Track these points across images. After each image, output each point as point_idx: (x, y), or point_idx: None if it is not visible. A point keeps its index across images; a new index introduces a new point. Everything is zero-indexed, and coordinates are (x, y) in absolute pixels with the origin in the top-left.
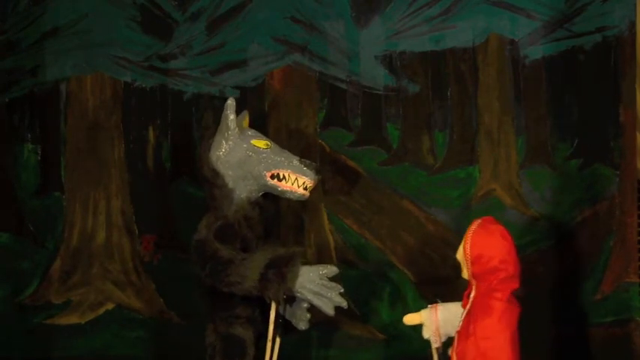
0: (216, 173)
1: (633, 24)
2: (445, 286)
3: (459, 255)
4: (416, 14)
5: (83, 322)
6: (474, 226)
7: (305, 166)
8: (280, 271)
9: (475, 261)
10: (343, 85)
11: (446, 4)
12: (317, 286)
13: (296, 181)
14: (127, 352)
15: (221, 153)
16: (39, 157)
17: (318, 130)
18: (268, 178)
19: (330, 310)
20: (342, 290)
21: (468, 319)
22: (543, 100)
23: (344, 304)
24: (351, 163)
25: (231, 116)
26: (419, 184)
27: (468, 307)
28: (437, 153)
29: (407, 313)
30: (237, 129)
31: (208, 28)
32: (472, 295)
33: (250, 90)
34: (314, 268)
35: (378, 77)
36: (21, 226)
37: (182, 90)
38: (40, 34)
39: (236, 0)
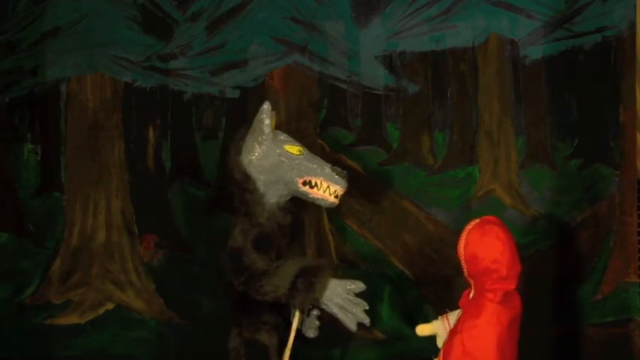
0: (247, 177)
1: (633, 24)
2: (445, 286)
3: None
4: (416, 14)
5: (83, 322)
6: (470, 226)
7: (337, 174)
8: (309, 280)
9: (469, 261)
10: (343, 85)
11: (446, 4)
12: (343, 300)
13: (328, 189)
14: (127, 352)
15: (254, 157)
16: (39, 157)
17: (318, 130)
18: (300, 185)
19: (353, 326)
20: (367, 307)
21: (456, 325)
22: (543, 100)
23: (367, 321)
24: (351, 163)
25: (267, 121)
26: (419, 184)
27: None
28: (437, 153)
29: (407, 313)
30: (271, 133)
31: (208, 28)
32: (471, 294)
33: (250, 90)
34: (342, 282)
35: (378, 77)
36: (21, 226)
37: (182, 90)
38: (40, 34)
39: (236, 0)
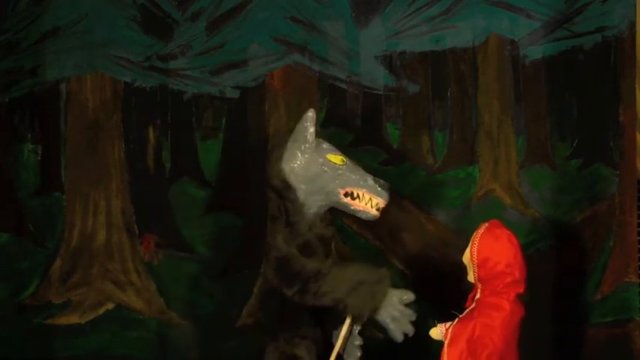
0: (288, 185)
1: (633, 24)
2: (445, 286)
3: (465, 258)
4: (416, 14)
5: (83, 322)
6: (480, 230)
7: (379, 186)
8: (372, 289)
9: (482, 265)
10: (343, 85)
11: (446, 4)
12: (397, 311)
13: (370, 202)
14: (127, 352)
15: (295, 165)
16: (39, 157)
17: (318, 130)
18: (342, 196)
19: (400, 337)
20: (414, 318)
21: (472, 312)
22: (543, 100)
23: (411, 333)
24: None
25: (311, 129)
26: (419, 184)
27: (472, 306)
28: (437, 153)
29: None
30: (314, 142)
31: (208, 28)
32: (477, 297)
33: (250, 90)
34: (397, 292)
35: (378, 77)
36: (21, 226)
37: (182, 90)
38: (40, 34)
39: (236, 0)
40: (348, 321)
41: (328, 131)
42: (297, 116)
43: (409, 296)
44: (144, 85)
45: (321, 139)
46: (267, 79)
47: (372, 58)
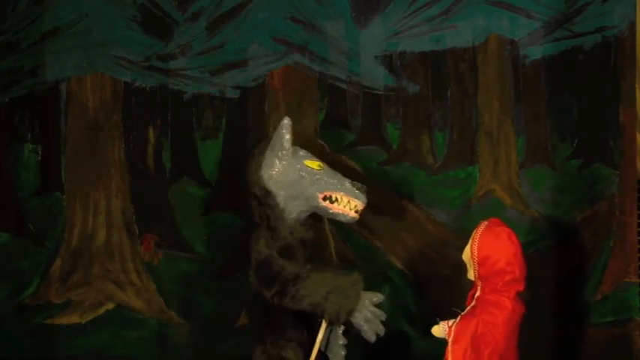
0: (267, 192)
1: (633, 24)
2: (445, 286)
3: (465, 256)
4: (416, 14)
5: (83, 322)
6: (480, 228)
7: (357, 189)
8: (346, 293)
9: (482, 263)
10: (343, 85)
11: (446, 4)
12: (368, 312)
13: (348, 204)
14: (127, 352)
15: (274, 172)
16: (39, 157)
17: (318, 130)
18: (320, 200)
19: (372, 337)
20: (384, 318)
21: (473, 309)
22: (543, 100)
23: (382, 332)
24: (351, 163)
25: (287, 136)
26: (419, 184)
27: (472, 304)
28: (437, 153)
29: (407, 313)
30: (291, 149)
31: (208, 28)
32: (477, 295)
33: (250, 90)
34: (369, 294)
35: (378, 77)
36: (21, 226)
37: (182, 90)
38: (40, 34)
39: (236, 0)
40: (324, 324)
41: (328, 131)
42: (297, 116)
43: (379, 297)
44: (144, 85)
45: (297, 147)
46: (267, 79)
47: (372, 58)
